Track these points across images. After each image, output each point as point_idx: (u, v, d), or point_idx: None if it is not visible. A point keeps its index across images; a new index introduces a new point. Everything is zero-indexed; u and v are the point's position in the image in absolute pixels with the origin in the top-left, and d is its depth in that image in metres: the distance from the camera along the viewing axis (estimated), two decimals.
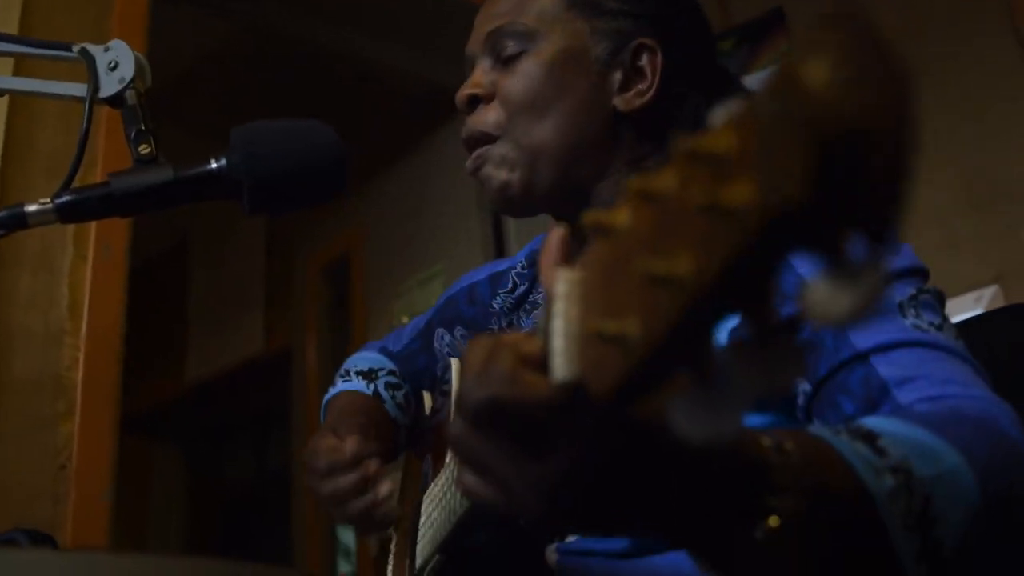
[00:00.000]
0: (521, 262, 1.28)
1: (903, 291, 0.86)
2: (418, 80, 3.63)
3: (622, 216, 0.41)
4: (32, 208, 0.89)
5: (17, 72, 1.67)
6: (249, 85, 3.95)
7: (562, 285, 0.47)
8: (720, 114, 0.36)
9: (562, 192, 1.09)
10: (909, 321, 0.83)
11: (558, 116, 1.07)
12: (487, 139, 1.09)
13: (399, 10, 3.05)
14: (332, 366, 4.42)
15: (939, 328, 0.83)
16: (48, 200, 0.90)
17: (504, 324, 1.25)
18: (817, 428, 0.70)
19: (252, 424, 5.54)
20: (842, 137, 0.30)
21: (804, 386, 0.86)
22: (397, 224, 3.99)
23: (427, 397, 1.35)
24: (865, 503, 0.59)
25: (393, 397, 1.35)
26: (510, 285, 1.27)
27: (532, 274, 1.25)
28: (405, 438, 1.36)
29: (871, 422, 0.68)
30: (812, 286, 0.33)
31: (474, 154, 1.10)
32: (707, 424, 0.39)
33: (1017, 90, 2.42)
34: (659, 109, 1.08)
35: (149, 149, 0.94)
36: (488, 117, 1.09)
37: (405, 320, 3.72)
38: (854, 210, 0.32)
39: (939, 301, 0.89)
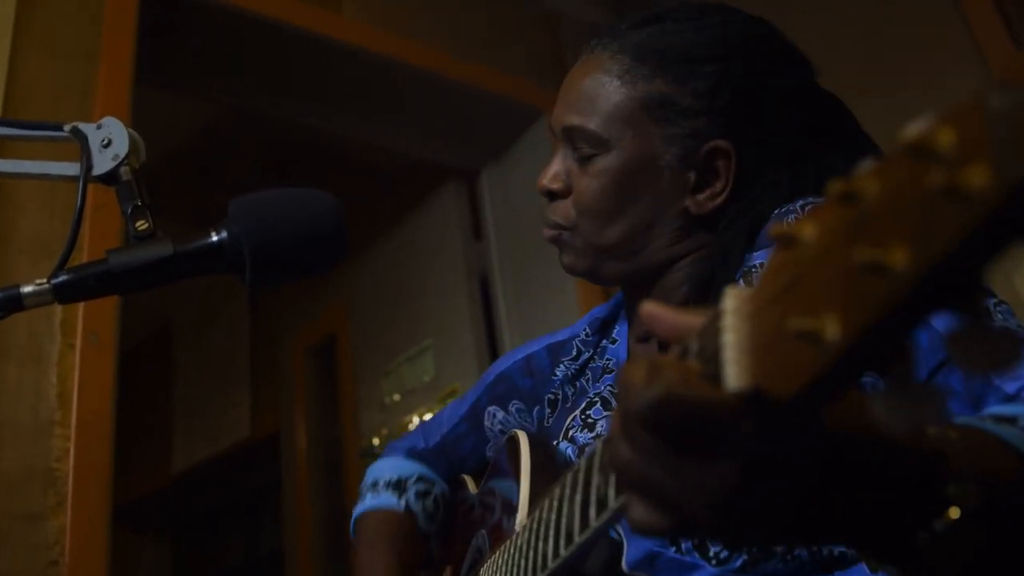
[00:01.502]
0: (585, 330, 1.28)
1: (988, 299, 0.88)
2: (398, 156, 3.65)
3: (809, 227, 0.42)
4: (28, 289, 0.87)
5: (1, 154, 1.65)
6: (230, 167, 3.96)
7: (731, 301, 0.48)
8: (922, 121, 0.37)
9: (631, 275, 1.15)
10: (998, 321, 0.85)
11: (625, 222, 1.10)
12: (561, 228, 1.15)
13: (379, 88, 3.07)
14: (321, 448, 4.40)
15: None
16: (44, 280, 0.87)
17: (570, 395, 1.24)
18: (960, 418, 0.69)
19: (242, 510, 5.44)
20: None
21: None
22: (383, 301, 3.97)
23: (469, 481, 1.34)
24: None
25: (424, 508, 1.36)
26: (574, 352, 1.27)
27: (596, 340, 1.26)
28: (435, 544, 1.37)
29: (1000, 409, 0.68)
30: None
31: (551, 235, 1.18)
32: (910, 416, 0.40)
33: None
34: (733, 206, 1.09)
35: (147, 225, 0.91)
36: (561, 209, 1.15)
37: (397, 398, 3.70)
38: None
39: (1013, 314, 0.91)
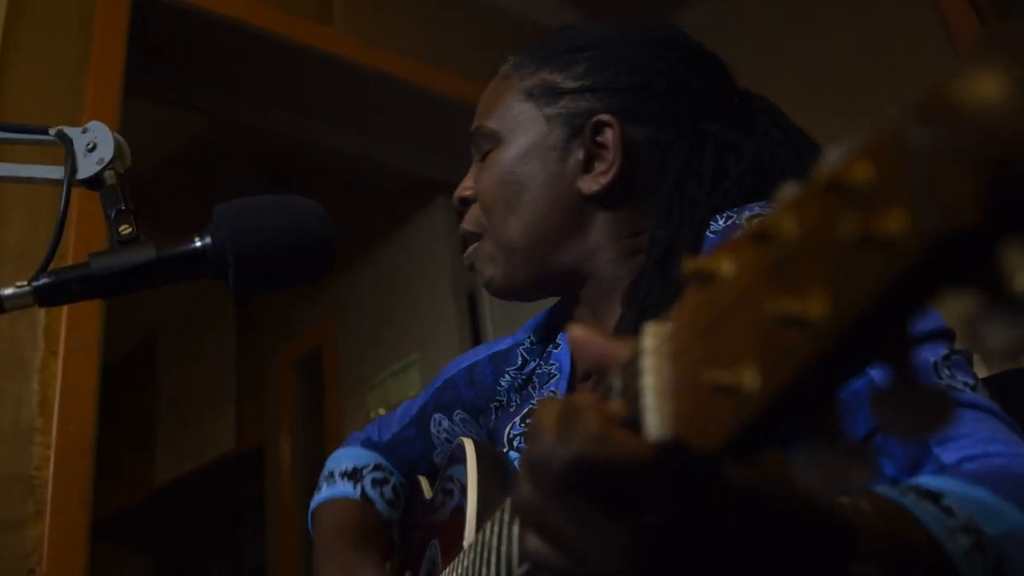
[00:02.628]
0: (529, 338, 1.26)
1: (936, 352, 0.84)
2: (388, 170, 3.64)
3: (726, 262, 0.39)
4: (8, 292, 0.86)
5: None
6: (220, 179, 3.96)
7: (650, 339, 0.45)
8: (840, 148, 0.34)
9: (546, 280, 1.12)
10: (944, 382, 0.81)
11: (522, 211, 1.10)
12: (474, 237, 1.15)
13: (369, 101, 3.07)
14: (306, 461, 4.38)
15: (973, 388, 0.82)
16: (25, 283, 0.86)
17: (516, 400, 1.22)
18: (881, 488, 0.67)
19: (225, 524, 5.40)
20: (1019, 156, 0.28)
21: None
22: (369, 315, 3.96)
23: (424, 483, 1.31)
24: (944, 565, 0.57)
25: (382, 495, 1.33)
26: (519, 361, 1.25)
27: (540, 349, 1.24)
28: (398, 531, 1.33)
29: (928, 481, 0.66)
30: (981, 319, 0.31)
31: (467, 251, 1.17)
32: (836, 478, 0.37)
33: None
34: (631, 180, 1.07)
35: (130, 229, 0.91)
36: (471, 215, 1.15)
37: (382, 411, 3.69)
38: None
39: (969, 361, 0.87)
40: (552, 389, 1.15)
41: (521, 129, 1.12)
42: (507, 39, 3.30)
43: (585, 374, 1.08)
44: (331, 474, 1.38)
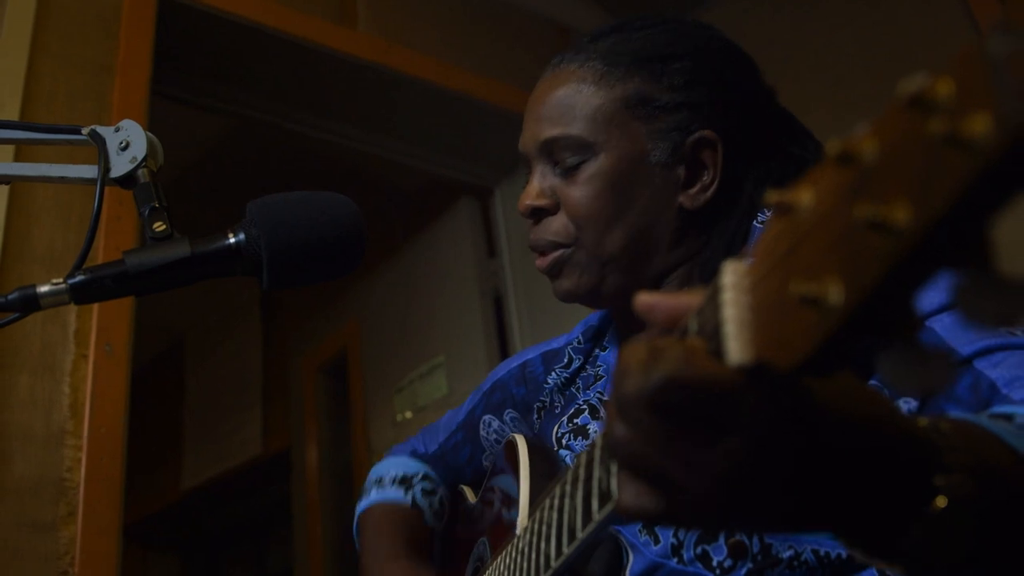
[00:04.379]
0: (578, 338, 1.26)
1: None
2: (412, 172, 3.65)
3: (805, 191, 0.41)
4: (44, 289, 0.86)
5: (17, 160, 1.66)
6: (243, 181, 3.97)
7: (728, 276, 0.47)
8: (919, 75, 0.36)
9: (632, 290, 1.09)
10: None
11: (626, 225, 1.07)
12: (559, 246, 1.10)
13: (393, 103, 3.08)
14: (333, 465, 4.39)
15: None
16: (61, 280, 0.87)
17: (560, 402, 1.22)
18: (955, 413, 0.68)
19: (252, 528, 5.42)
20: None
21: (908, 402, 0.85)
22: (394, 317, 3.97)
23: (468, 492, 1.32)
24: None
25: (431, 505, 1.36)
26: (566, 360, 1.25)
27: (588, 348, 1.24)
28: (439, 544, 1.35)
29: (999, 408, 0.67)
30: None
31: (549, 258, 1.11)
32: (918, 378, 0.38)
33: None
34: (721, 199, 1.09)
35: (164, 226, 0.91)
36: (555, 226, 1.10)
37: (408, 414, 3.69)
38: None
39: None
40: (599, 391, 1.14)
41: (620, 142, 1.08)
42: (531, 39, 3.29)
43: None
44: (380, 479, 1.39)
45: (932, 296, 0.86)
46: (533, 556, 0.86)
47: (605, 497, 0.66)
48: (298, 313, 4.83)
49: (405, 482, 1.36)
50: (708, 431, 0.48)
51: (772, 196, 0.43)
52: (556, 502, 0.77)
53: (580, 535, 0.70)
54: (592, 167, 1.08)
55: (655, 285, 1.10)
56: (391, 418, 3.81)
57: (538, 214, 1.12)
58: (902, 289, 0.38)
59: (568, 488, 0.73)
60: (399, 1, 3.03)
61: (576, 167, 1.08)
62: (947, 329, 0.84)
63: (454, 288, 3.53)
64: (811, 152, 1.12)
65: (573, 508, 0.71)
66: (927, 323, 0.86)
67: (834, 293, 0.38)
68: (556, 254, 1.10)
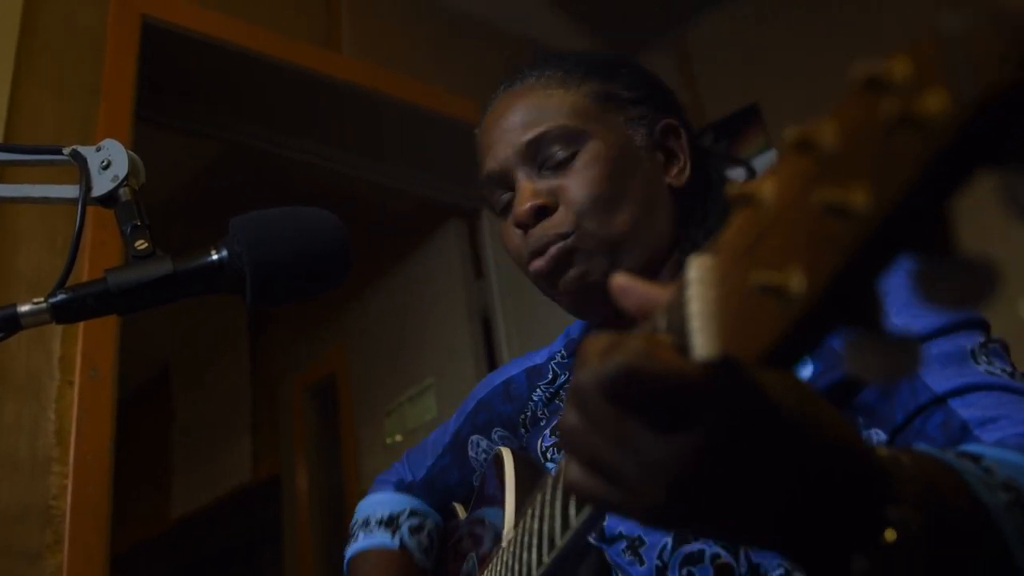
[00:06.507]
0: (560, 352, 1.26)
1: (972, 339, 0.85)
2: (398, 195, 3.65)
3: (767, 182, 0.41)
4: (25, 308, 0.86)
5: None
6: (230, 206, 3.95)
7: (694, 271, 0.47)
8: (874, 57, 0.36)
9: (641, 272, 1.09)
10: (982, 367, 0.82)
11: (631, 206, 1.08)
12: (561, 237, 1.08)
13: (378, 126, 3.08)
14: (323, 490, 4.36)
15: (1011, 375, 0.83)
16: (42, 299, 0.86)
17: (547, 414, 1.22)
18: (920, 447, 0.68)
19: (243, 555, 5.37)
20: None
21: (879, 434, 0.84)
22: (383, 340, 3.95)
23: (459, 509, 1.31)
24: (981, 518, 0.57)
25: (419, 544, 1.33)
26: (550, 375, 1.24)
27: (571, 363, 1.23)
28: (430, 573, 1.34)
29: (967, 447, 0.66)
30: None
31: (552, 252, 1.08)
32: (883, 365, 0.38)
33: None
34: (696, 183, 1.14)
35: (146, 244, 0.90)
36: (556, 220, 1.09)
37: (399, 437, 3.67)
38: None
39: (1006, 351, 0.88)
40: None
41: (604, 130, 1.11)
42: (514, 62, 3.30)
43: None
44: (367, 522, 1.37)
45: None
46: (517, 567, 0.85)
47: (582, 504, 0.65)
48: (286, 337, 4.81)
49: (391, 523, 1.34)
50: (661, 426, 0.48)
51: (732, 188, 0.42)
52: (537, 511, 0.76)
53: (559, 543, 0.70)
54: (587, 154, 1.09)
55: (657, 270, 1.11)
56: (381, 441, 3.79)
57: (541, 213, 1.09)
58: (864, 274, 0.37)
59: (548, 496, 0.73)
60: (383, 24, 3.04)
61: (571, 158, 1.09)
62: (924, 364, 0.84)
63: (442, 310, 3.52)
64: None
65: (552, 516, 0.71)
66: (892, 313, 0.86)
67: (796, 282, 0.38)
68: (558, 246, 1.08)
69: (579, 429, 0.51)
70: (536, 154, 1.11)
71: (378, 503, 1.39)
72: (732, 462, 0.48)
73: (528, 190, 1.10)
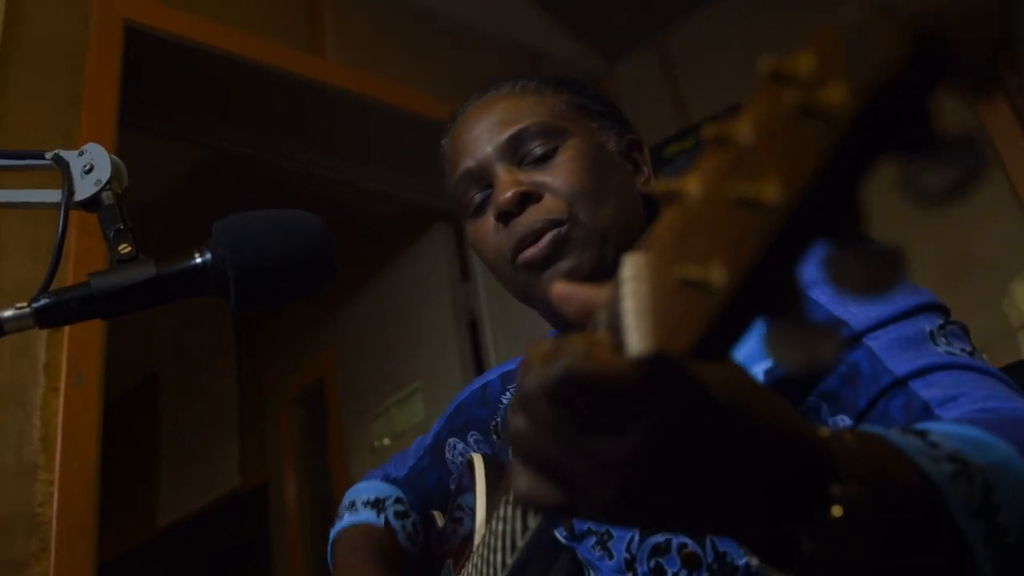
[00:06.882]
0: None
1: (931, 322, 0.87)
2: (384, 199, 3.65)
3: (691, 177, 0.42)
4: (8, 313, 0.85)
5: None
6: (217, 211, 3.95)
7: (628, 269, 0.47)
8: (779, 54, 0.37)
9: None
10: (942, 348, 0.84)
11: (614, 200, 1.09)
12: (558, 224, 1.06)
13: (363, 130, 3.08)
14: (312, 497, 4.35)
15: (970, 354, 0.84)
16: (25, 304, 0.86)
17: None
18: (868, 427, 0.69)
19: (231, 563, 5.35)
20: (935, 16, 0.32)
21: (844, 420, 0.85)
22: (370, 345, 3.95)
23: (438, 516, 1.32)
24: (927, 490, 0.57)
25: (403, 527, 1.35)
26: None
27: None
28: (413, 570, 1.34)
29: (920, 425, 0.67)
30: (909, 166, 0.34)
31: (546, 240, 1.06)
32: (804, 352, 0.39)
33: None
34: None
35: (129, 248, 0.90)
36: (547, 206, 1.07)
37: (387, 441, 3.67)
38: (950, 70, 0.33)
39: (965, 332, 0.90)
40: None
41: (581, 132, 1.13)
42: (500, 65, 3.31)
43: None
44: (352, 504, 1.39)
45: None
46: (486, 569, 0.86)
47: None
48: (274, 343, 4.80)
49: (377, 504, 1.36)
50: (607, 425, 0.48)
51: (659, 185, 0.43)
52: (501, 513, 0.77)
53: (520, 544, 0.71)
54: (569, 149, 1.10)
55: None
56: (369, 445, 3.79)
57: (525, 199, 1.08)
58: (781, 265, 0.38)
59: (511, 498, 0.74)
60: (367, 28, 3.04)
61: (551, 153, 1.10)
62: (884, 348, 0.85)
63: (429, 313, 3.52)
64: None
65: (513, 519, 0.72)
66: (813, 297, 0.88)
67: (716, 275, 0.39)
68: (552, 233, 1.06)
69: (527, 434, 0.51)
70: (517, 149, 1.11)
71: (365, 488, 1.41)
72: (678, 455, 0.49)
73: (509, 179, 1.09)
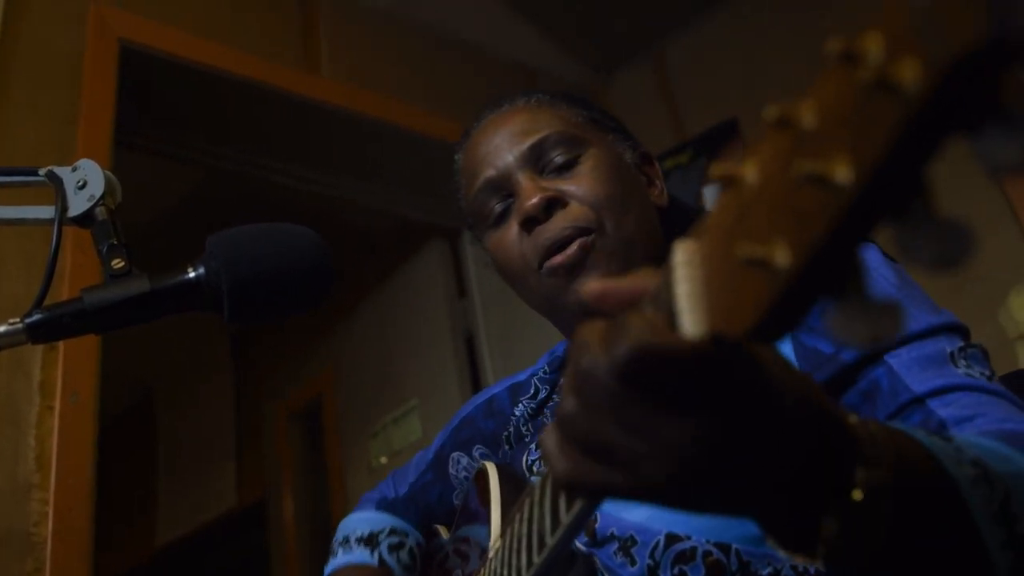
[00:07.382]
0: (543, 368, 1.27)
1: (952, 343, 0.88)
2: (380, 216, 3.64)
3: (748, 162, 0.42)
4: (0, 329, 0.84)
5: None
6: (215, 229, 3.95)
7: (680, 255, 0.47)
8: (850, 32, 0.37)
9: None
10: (962, 370, 0.85)
11: (637, 210, 1.10)
12: (586, 232, 1.06)
13: (359, 147, 3.08)
14: (309, 515, 4.33)
15: (989, 379, 0.85)
16: (17, 320, 0.85)
17: (531, 430, 1.22)
18: (892, 422, 0.70)
19: None
20: None
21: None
22: (367, 362, 3.94)
23: (442, 530, 1.31)
24: (948, 488, 0.58)
25: (398, 560, 1.32)
26: (532, 391, 1.25)
27: (555, 379, 1.24)
28: None
29: (943, 433, 0.69)
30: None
31: (575, 246, 1.05)
32: (868, 330, 0.39)
33: (977, 169, 2.46)
34: (673, 207, 1.18)
35: (123, 263, 0.90)
36: (574, 213, 1.07)
37: (384, 459, 3.65)
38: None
39: (985, 356, 0.91)
40: None
41: (600, 143, 1.14)
42: (497, 82, 3.32)
43: None
44: (346, 540, 1.37)
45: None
46: (506, 572, 0.85)
47: (574, 497, 0.65)
48: (270, 360, 4.79)
49: (371, 541, 1.33)
50: (672, 405, 0.48)
51: (716, 170, 0.43)
52: (526, 514, 0.76)
53: (549, 541, 0.69)
54: (591, 159, 1.11)
55: None
56: (367, 464, 3.78)
57: (552, 205, 1.07)
58: (847, 243, 0.38)
59: (537, 498, 0.73)
60: (363, 45, 3.05)
61: (574, 161, 1.11)
62: (905, 366, 0.86)
63: (426, 330, 3.51)
64: None
65: (542, 516, 0.71)
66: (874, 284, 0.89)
67: (780, 254, 0.39)
68: (581, 241, 1.05)
69: (580, 415, 0.50)
70: (539, 158, 1.12)
71: (358, 521, 1.38)
72: (735, 435, 0.49)
73: (533, 186, 1.09)
